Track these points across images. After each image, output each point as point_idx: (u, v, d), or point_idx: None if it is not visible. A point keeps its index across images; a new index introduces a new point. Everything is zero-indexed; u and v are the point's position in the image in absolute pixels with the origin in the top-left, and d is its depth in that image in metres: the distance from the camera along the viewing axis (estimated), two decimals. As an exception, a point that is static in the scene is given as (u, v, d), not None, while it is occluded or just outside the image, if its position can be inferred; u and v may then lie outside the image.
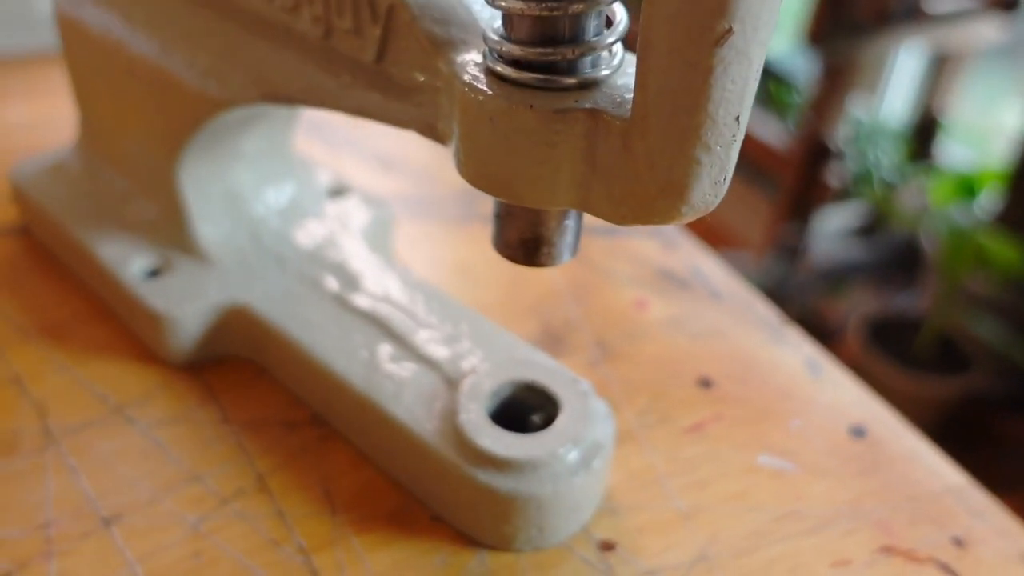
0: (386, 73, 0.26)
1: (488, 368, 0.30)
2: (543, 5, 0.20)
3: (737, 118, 0.19)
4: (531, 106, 0.20)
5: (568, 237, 0.24)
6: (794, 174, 1.79)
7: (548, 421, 0.29)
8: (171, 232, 0.36)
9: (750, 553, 0.29)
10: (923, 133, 1.90)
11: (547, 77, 0.21)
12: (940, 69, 1.82)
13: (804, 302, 1.80)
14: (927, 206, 1.81)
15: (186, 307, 0.34)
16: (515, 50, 0.21)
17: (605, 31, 0.22)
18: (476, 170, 0.22)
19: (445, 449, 0.28)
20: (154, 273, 0.36)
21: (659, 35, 0.18)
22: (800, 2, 1.64)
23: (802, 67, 2.10)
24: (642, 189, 0.20)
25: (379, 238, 0.39)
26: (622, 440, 0.33)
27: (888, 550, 0.29)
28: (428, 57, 0.24)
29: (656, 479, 0.31)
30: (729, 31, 0.17)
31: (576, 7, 0.20)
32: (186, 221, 0.35)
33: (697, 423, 0.34)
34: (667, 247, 0.43)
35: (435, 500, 0.29)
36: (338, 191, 0.40)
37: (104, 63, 0.35)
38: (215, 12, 0.30)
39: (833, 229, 1.92)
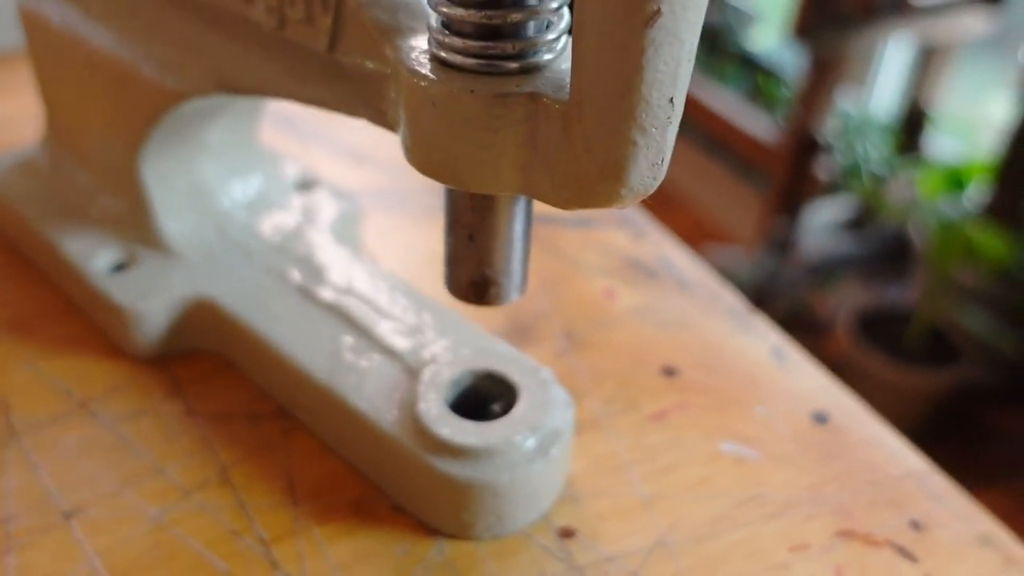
0: (338, 62, 0.26)
1: (449, 358, 0.30)
2: (482, 14, 0.20)
3: (672, 99, 0.19)
4: (472, 91, 0.21)
5: (514, 278, 0.25)
6: (783, 168, 1.80)
7: (508, 409, 0.29)
8: (136, 226, 0.36)
9: (710, 539, 0.29)
10: (911, 126, 1.90)
11: (489, 62, 0.21)
12: (927, 61, 1.82)
13: (794, 296, 1.80)
14: (916, 199, 1.81)
15: (151, 301, 0.34)
16: (457, 42, 0.21)
17: (552, 22, 0.22)
18: (422, 155, 0.22)
19: (404, 438, 0.28)
20: (119, 267, 0.36)
21: (590, 18, 0.18)
22: (786, -3, 1.64)
23: (790, 61, 2.10)
24: (582, 172, 0.20)
25: (347, 231, 0.39)
26: (586, 428, 0.33)
27: (846, 534, 0.29)
28: (376, 44, 0.24)
29: (619, 466, 0.31)
30: (658, 12, 0.17)
31: (515, 16, 0.20)
32: (151, 215, 0.35)
33: (661, 411, 0.34)
34: (636, 237, 0.43)
35: (396, 490, 0.30)
36: (306, 184, 0.40)
37: (66, 57, 0.35)
38: (171, 3, 0.30)
39: (823, 222, 1.93)
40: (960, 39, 1.76)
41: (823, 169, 1.77)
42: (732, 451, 0.32)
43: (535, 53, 0.21)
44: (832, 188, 1.86)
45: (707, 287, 0.40)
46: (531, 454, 0.28)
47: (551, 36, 0.21)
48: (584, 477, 0.31)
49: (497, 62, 0.21)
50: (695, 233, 2.14)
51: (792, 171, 1.79)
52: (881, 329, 1.63)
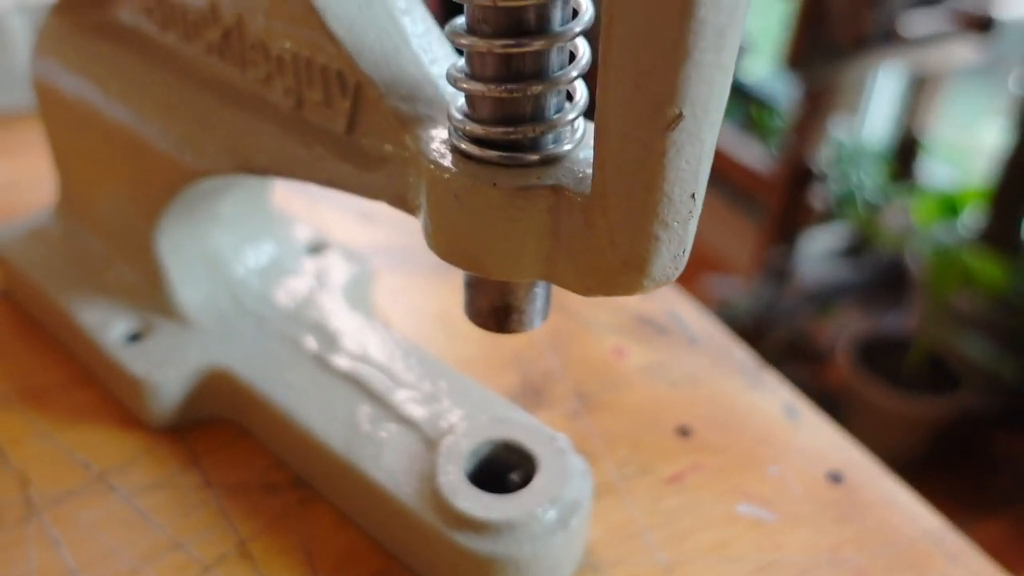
0: (356, 144, 0.26)
1: (466, 427, 0.31)
2: (503, 88, 0.20)
3: (693, 195, 0.19)
4: (494, 184, 0.21)
5: (538, 304, 0.25)
6: (779, 197, 1.81)
7: (527, 479, 0.29)
8: (151, 296, 0.36)
9: (731, 606, 0.29)
10: (904, 153, 1.91)
11: (510, 155, 0.21)
12: (919, 90, 1.84)
13: (793, 325, 1.80)
14: (911, 226, 1.82)
15: (167, 371, 0.34)
16: (478, 129, 0.21)
17: (567, 105, 0.22)
18: (444, 244, 0.23)
19: (424, 512, 0.28)
20: (135, 337, 0.36)
21: (613, 120, 0.18)
22: (779, 27, 1.66)
23: (783, 91, 2.12)
24: (605, 263, 0.20)
25: (359, 293, 0.39)
26: (603, 493, 0.33)
27: (867, 599, 0.29)
28: (396, 131, 0.24)
29: (636, 532, 0.31)
30: (680, 116, 0.17)
31: (535, 88, 0.20)
32: (165, 285, 0.35)
33: (677, 473, 0.34)
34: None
35: (417, 562, 0.30)
36: (317, 247, 0.40)
37: (81, 129, 0.36)
38: (189, 82, 0.31)
39: (819, 251, 1.93)
40: (951, 67, 1.78)
41: (818, 198, 1.78)
42: (748, 513, 0.32)
43: (556, 141, 0.22)
44: (828, 216, 1.87)
45: (717, 342, 0.40)
46: (552, 526, 0.28)
47: (571, 116, 0.22)
48: (603, 545, 0.31)
49: (518, 154, 0.21)
50: (693, 264, 2.14)
51: (787, 200, 1.80)
52: (880, 357, 1.63)
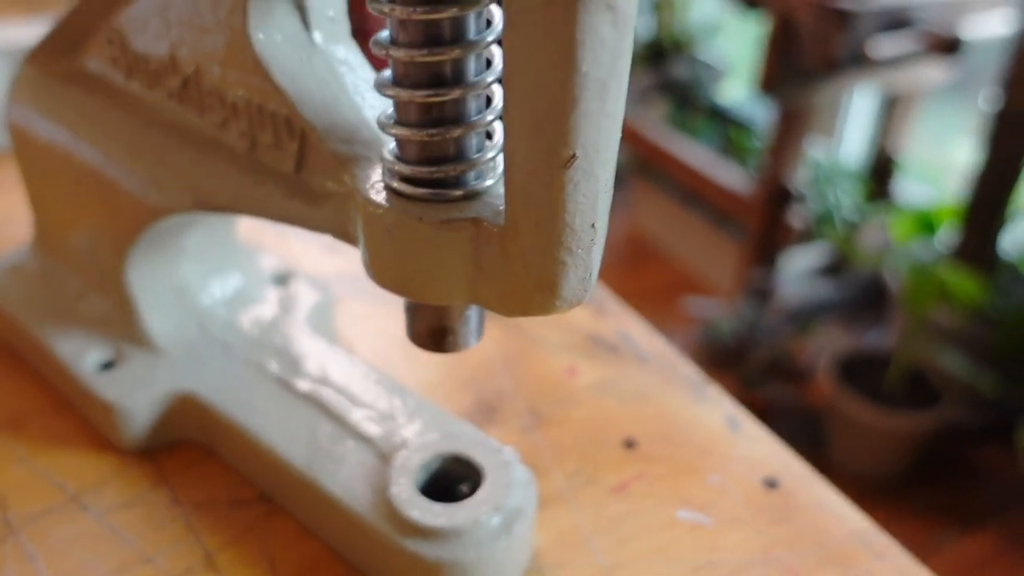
0: (304, 183, 0.28)
1: (418, 443, 0.33)
2: (425, 132, 0.23)
3: (593, 224, 0.21)
4: (421, 218, 0.23)
5: (471, 325, 0.27)
6: (758, 218, 1.83)
7: (474, 490, 0.31)
8: (123, 326, 0.38)
9: (666, 605, 0.31)
10: (880, 172, 1.95)
11: (435, 191, 0.24)
12: (892, 110, 1.88)
13: (775, 344, 1.82)
14: (889, 243, 1.85)
15: (138, 397, 0.36)
16: (406, 169, 0.24)
17: (487, 144, 0.24)
18: (380, 272, 0.25)
19: (378, 521, 0.30)
20: (107, 365, 0.38)
21: (518, 160, 0.21)
22: (754, 51, 1.70)
23: (760, 113, 2.16)
24: (521, 286, 0.23)
25: (322, 320, 0.41)
26: (551, 502, 0.35)
27: (793, 595, 0.31)
28: (336, 171, 0.26)
29: (582, 539, 0.33)
30: (574, 156, 0.20)
31: (454, 132, 0.23)
32: (136, 315, 0.37)
33: (622, 483, 0.36)
34: (597, 314, 0.45)
35: (373, 569, 0.31)
36: (282, 277, 0.42)
37: (53, 170, 0.38)
38: (152, 127, 0.33)
39: (799, 270, 1.96)
40: (922, 87, 1.82)
41: (797, 218, 1.80)
42: (688, 518, 0.34)
43: (477, 177, 0.24)
44: (807, 236, 1.90)
45: (665, 359, 0.43)
46: (496, 532, 0.30)
47: (489, 155, 0.24)
48: (549, 550, 0.33)
49: (442, 191, 0.24)
50: (675, 285, 2.17)
51: (767, 221, 1.82)
52: (862, 373, 1.65)
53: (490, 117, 0.23)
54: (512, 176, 0.21)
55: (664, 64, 2.40)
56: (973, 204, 1.60)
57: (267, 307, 0.40)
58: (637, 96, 2.34)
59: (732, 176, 1.92)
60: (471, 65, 0.23)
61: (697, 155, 2.02)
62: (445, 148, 0.23)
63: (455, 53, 0.22)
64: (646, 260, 2.31)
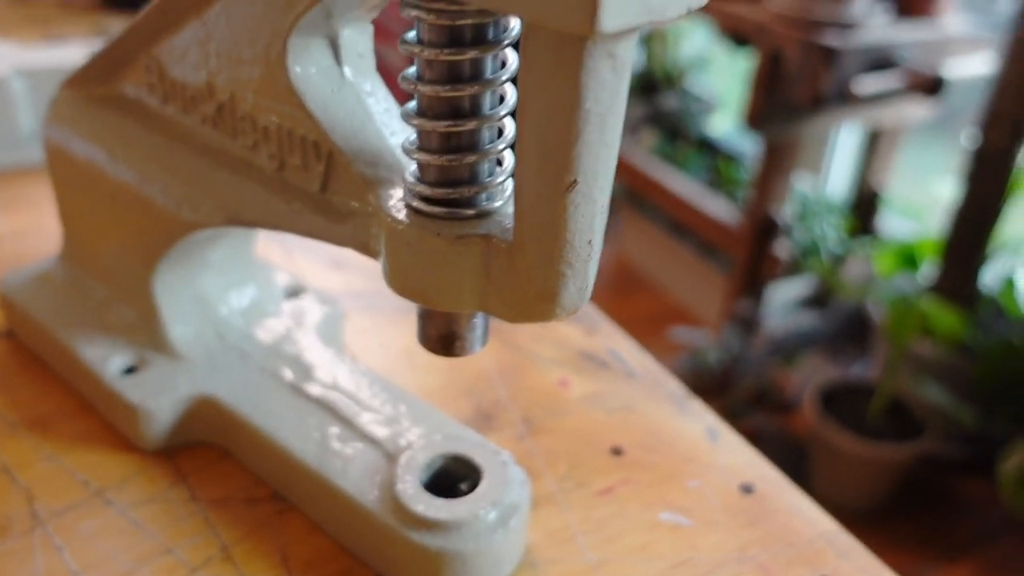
0: (329, 201, 0.31)
1: (422, 444, 0.35)
2: (444, 158, 0.26)
3: (590, 241, 0.24)
4: (438, 234, 0.26)
5: (477, 332, 0.30)
6: (745, 249, 1.86)
7: (474, 487, 0.34)
8: (146, 333, 0.41)
9: (650, 597, 0.34)
10: (864, 207, 1.99)
11: (451, 210, 0.27)
12: (876, 146, 1.92)
13: (761, 374, 1.85)
14: (873, 276, 1.89)
15: (159, 400, 0.38)
16: (426, 190, 0.27)
17: (498, 169, 0.27)
18: (399, 282, 0.28)
19: (385, 515, 0.33)
20: (131, 370, 0.40)
21: (527, 184, 0.24)
22: (742, 85, 1.74)
23: (748, 145, 2.21)
24: (525, 296, 0.26)
25: (331, 332, 0.44)
26: (543, 503, 0.37)
27: (766, 589, 0.34)
28: (361, 191, 0.29)
29: (571, 536, 0.36)
30: (575, 182, 0.23)
31: (470, 159, 0.26)
32: (160, 324, 0.40)
33: (609, 487, 0.39)
34: (589, 332, 0.48)
35: (378, 560, 0.34)
36: (294, 292, 0.45)
37: (88, 187, 0.41)
38: (187, 148, 0.36)
39: (785, 301, 1.99)
40: (905, 124, 1.86)
41: (783, 250, 1.83)
42: (669, 520, 0.37)
43: (488, 199, 0.27)
44: (792, 268, 1.93)
45: (651, 375, 0.45)
46: (493, 525, 0.32)
47: (499, 179, 0.27)
48: (541, 547, 0.35)
49: (457, 210, 0.27)
50: (662, 315, 2.20)
51: (753, 253, 1.85)
52: (846, 404, 1.68)
53: (501, 146, 0.26)
54: (521, 198, 0.24)
55: (655, 96, 2.45)
56: (954, 239, 1.64)
57: (280, 319, 0.43)
58: (628, 127, 2.38)
59: (720, 208, 1.95)
60: (487, 100, 0.26)
61: (685, 186, 2.06)
62: (461, 172, 0.26)
63: (474, 90, 0.25)
64: (634, 289, 2.34)
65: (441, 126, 0.25)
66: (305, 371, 0.40)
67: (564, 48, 0.21)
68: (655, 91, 2.46)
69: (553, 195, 0.23)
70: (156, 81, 0.37)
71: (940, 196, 2.06)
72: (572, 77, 0.21)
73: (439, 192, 0.26)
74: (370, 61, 0.31)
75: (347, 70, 0.31)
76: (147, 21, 0.36)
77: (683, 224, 2.13)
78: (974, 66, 1.71)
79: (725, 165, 2.23)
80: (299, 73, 0.30)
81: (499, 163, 0.28)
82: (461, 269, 0.26)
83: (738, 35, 1.80)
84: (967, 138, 1.62)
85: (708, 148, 2.36)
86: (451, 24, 0.24)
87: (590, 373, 0.45)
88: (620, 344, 0.48)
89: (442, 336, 0.29)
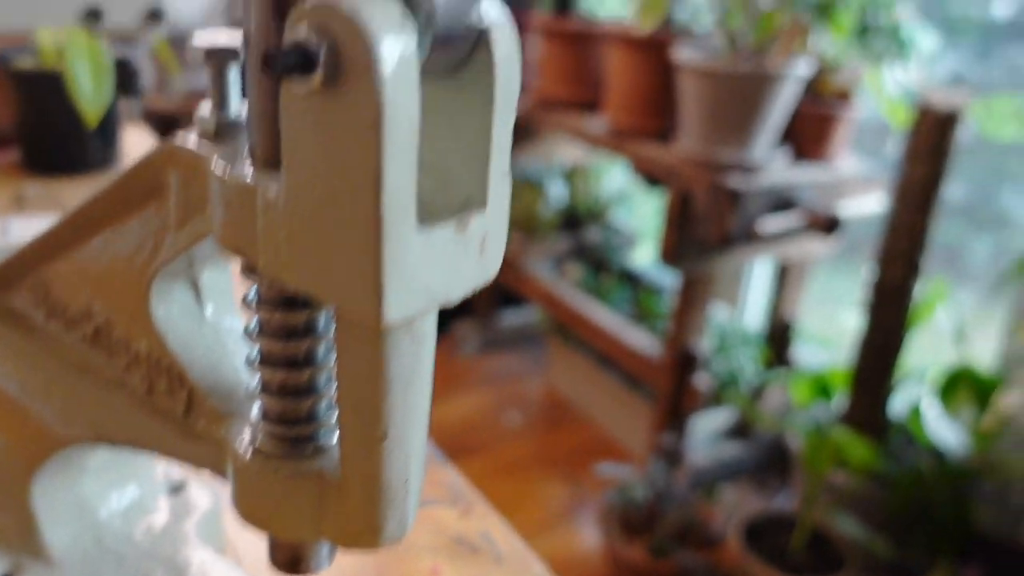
0: (191, 426, 0.34)
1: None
2: (284, 400, 0.29)
3: (406, 481, 0.27)
4: (276, 471, 0.29)
5: (324, 551, 0.32)
6: (667, 382, 1.89)
7: None
8: (22, 539, 0.42)
9: None
10: (779, 338, 2.06)
11: (291, 449, 0.29)
12: (785, 279, 2.01)
13: (686, 508, 1.86)
14: (789, 407, 1.95)
15: (31, 607, 0.39)
16: (268, 428, 0.30)
17: (332, 411, 0.30)
18: (244, 511, 0.30)
19: None
20: (5, 576, 0.41)
21: (346, 433, 0.27)
22: (659, 221, 1.81)
23: (668, 277, 2.28)
24: (353, 527, 0.28)
25: (212, 527, 0.46)
26: None
27: None
28: (217, 422, 0.32)
29: None
30: (385, 435, 0.26)
31: (306, 402, 0.29)
32: (36, 530, 0.41)
33: None
34: (464, 513, 0.51)
35: None
36: (177, 487, 0.47)
37: (-28, 397, 0.42)
38: (66, 365, 0.38)
39: (708, 433, 2.02)
40: (809, 259, 1.96)
41: (703, 382, 1.87)
42: None
43: (325, 435, 0.30)
44: (713, 399, 1.97)
45: (519, 558, 0.48)
46: None
47: (334, 418, 0.30)
48: None
49: (296, 448, 0.29)
50: (590, 447, 2.22)
51: (674, 385, 1.89)
52: (769, 537, 1.69)
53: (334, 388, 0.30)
54: (343, 445, 0.27)
55: (579, 231, 2.53)
56: (860, 370, 1.71)
57: (159, 516, 0.44)
58: (553, 262, 2.45)
59: (642, 340, 2.00)
60: (321, 349, 0.29)
61: (609, 319, 2.11)
62: (299, 413, 0.29)
63: (306, 344, 0.28)
64: (562, 421, 2.36)
65: (279, 374, 0.29)
66: (179, 573, 0.41)
67: (365, 325, 0.24)
68: (579, 225, 2.55)
69: (369, 444, 0.26)
70: (41, 298, 0.40)
71: (848, 326, 2.15)
72: (375, 349, 0.25)
73: (279, 430, 0.29)
74: (230, 297, 0.34)
75: (209, 308, 0.34)
76: (39, 244, 0.39)
77: (608, 356, 2.17)
78: (868, 205, 1.83)
79: (646, 297, 2.29)
80: (162, 314, 0.33)
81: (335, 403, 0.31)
82: (298, 504, 0.29)
83: (651, 176, 1.90)
84: (867, 272, 1.70)
85: (630, 280, 2.43)
86: (283, 290, 0.28)
87: (462, 559, 0.47)
88: (493, 525, 0.50)
89: (288, 560, 0.31)
